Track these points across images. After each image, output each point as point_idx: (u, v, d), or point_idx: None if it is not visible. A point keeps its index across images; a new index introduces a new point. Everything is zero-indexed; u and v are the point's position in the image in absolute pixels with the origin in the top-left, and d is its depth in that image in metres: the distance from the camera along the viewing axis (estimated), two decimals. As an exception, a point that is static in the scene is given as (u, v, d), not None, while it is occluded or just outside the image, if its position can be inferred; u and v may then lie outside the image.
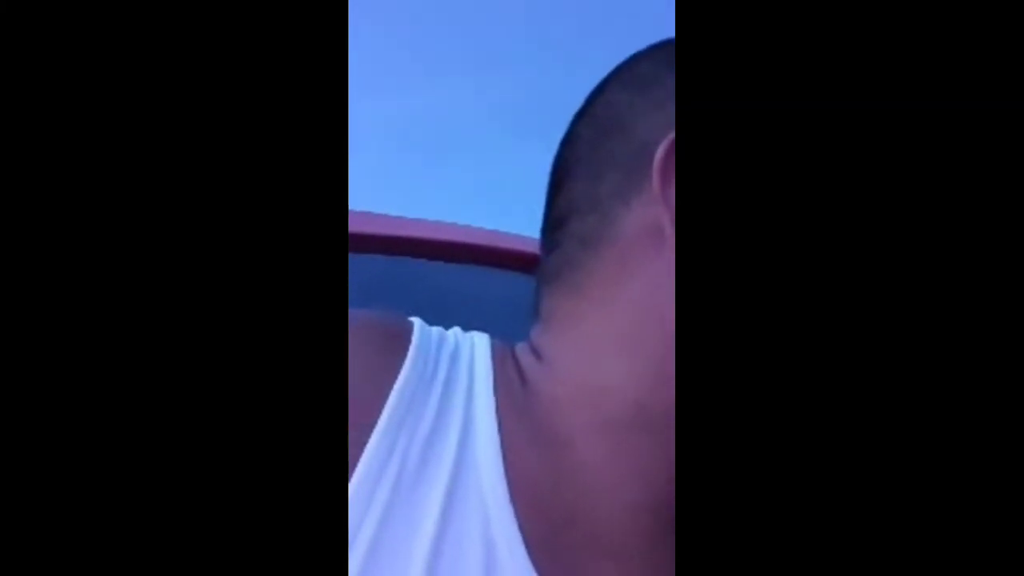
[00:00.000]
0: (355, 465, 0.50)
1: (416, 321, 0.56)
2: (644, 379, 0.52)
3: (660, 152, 0.51)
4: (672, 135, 0.51)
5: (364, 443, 0.51)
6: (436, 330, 0.56)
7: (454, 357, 0.55)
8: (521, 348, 0.56)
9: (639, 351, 0.52)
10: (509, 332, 0.60)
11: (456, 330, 0.57)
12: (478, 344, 0.56)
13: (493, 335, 0.59)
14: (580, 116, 0.57)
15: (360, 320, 0.53)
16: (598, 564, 0.52)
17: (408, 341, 0.54)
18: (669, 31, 0.55)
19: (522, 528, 0.51)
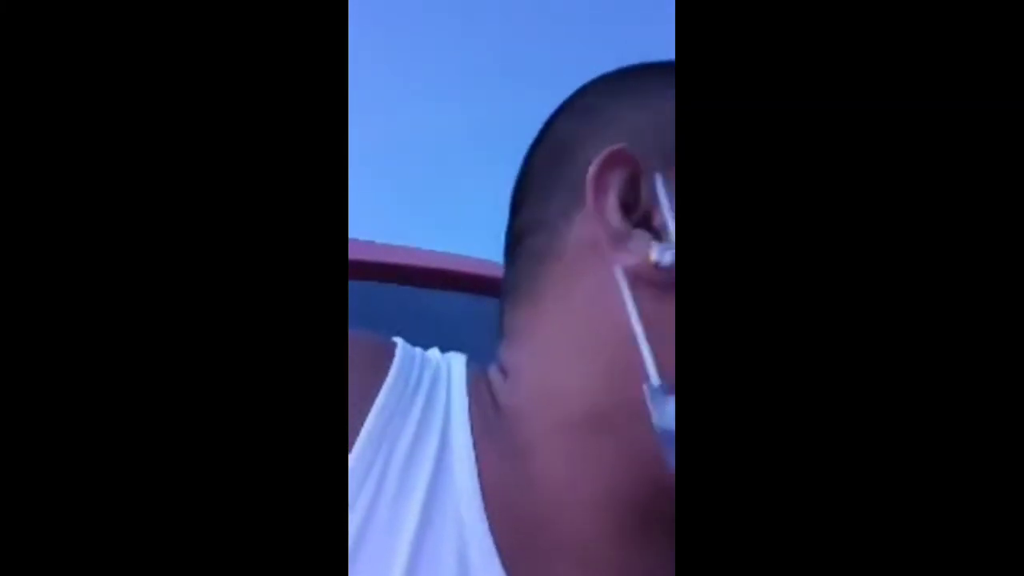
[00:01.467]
0: None
1: (399, 341, 0.58)
2: (596, 382, 0.55)
3: (592, 168, 0.55)
4: (605, 151, 0.55)
5: None
6: (418, 351, 0.59)
7: (435, 377, 0.57)
8: (492, 368, 0.59)
9: (589, 356, 0.55)
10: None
11: (435, 351, 0.60)
12: (455, 365, 0.59)
13: (477, 361, 0.61)
14: (534, 145, 0.61)
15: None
16: (566, 564, 0.54)
17: (391, 360, 0.57)
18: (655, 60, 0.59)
19: (494, 534, 0.53)
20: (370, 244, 1.55)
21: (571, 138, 0.59)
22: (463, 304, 1.53)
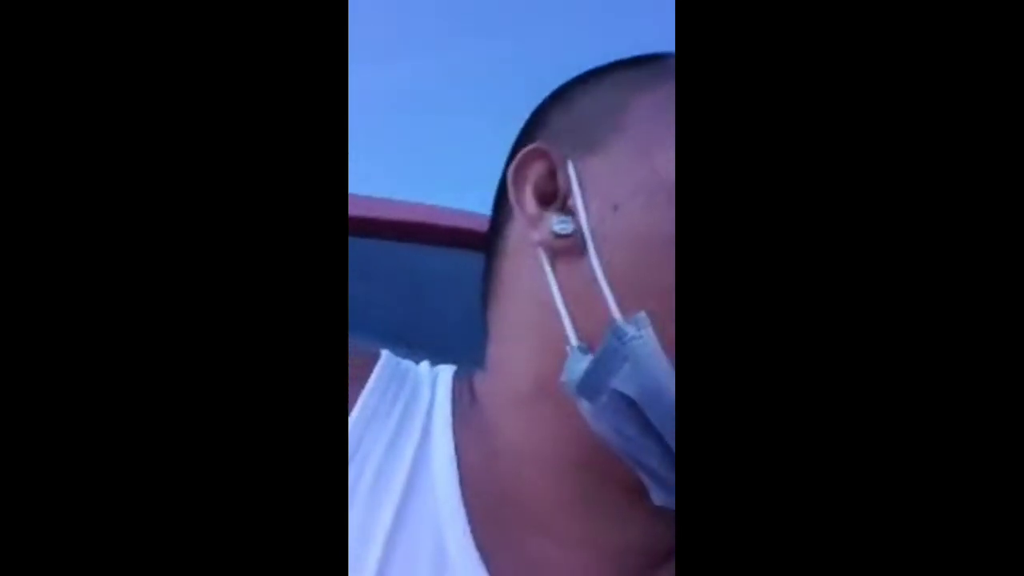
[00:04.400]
0: None
1: (384, 353, 0.65)
2: (536, 354, 0.60)
3: (511, 166, 0.62)
4: (523, 150, 0.61)
5: None
6: (406, 362, 0.65)
7: (417, 383, 0.63)
8: (477, 368, 0.65)
9: (535, 333, 0.60)
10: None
11: (426, 363, 0.66)
12: (443, 372, 0.65)
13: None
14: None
15: None
16: (535, 536, 0.59)
17: (371, 372, 0.63)
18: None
19: (470, 517, 0.58)
20: (371, 199, 1.54)
21: (515, 150, 0.64)
22: (445, 260, 1.52)
